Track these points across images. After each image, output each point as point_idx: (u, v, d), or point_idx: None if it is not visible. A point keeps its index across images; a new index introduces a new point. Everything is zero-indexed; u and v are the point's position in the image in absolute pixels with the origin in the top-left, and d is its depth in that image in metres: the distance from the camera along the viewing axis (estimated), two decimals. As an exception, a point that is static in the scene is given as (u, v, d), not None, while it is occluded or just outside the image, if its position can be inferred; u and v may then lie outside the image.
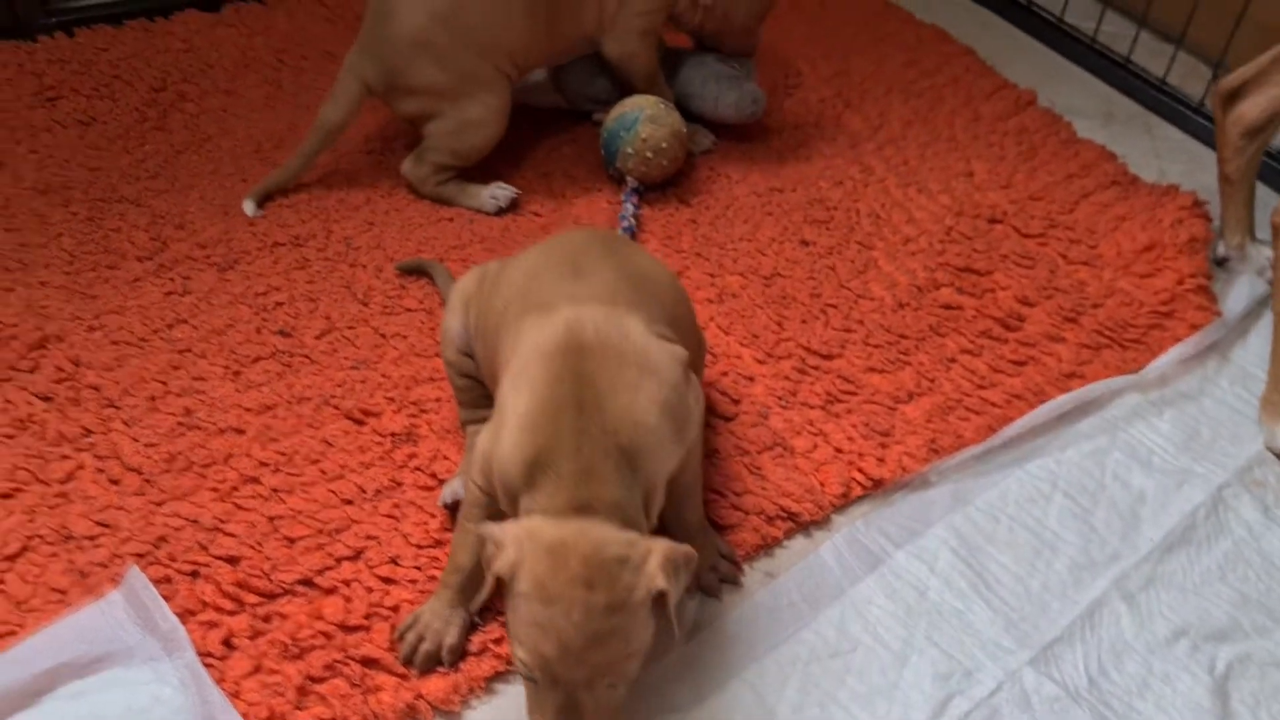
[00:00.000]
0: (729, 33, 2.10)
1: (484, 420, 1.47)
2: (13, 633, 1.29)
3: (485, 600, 1.13)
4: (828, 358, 1.72)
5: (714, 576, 1.41)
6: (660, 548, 1.11)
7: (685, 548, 1.14)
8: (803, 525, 1.50)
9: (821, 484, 1.53)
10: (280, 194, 1.93)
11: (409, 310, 1.74)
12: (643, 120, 1.94)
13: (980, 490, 1.57)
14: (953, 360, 1.73)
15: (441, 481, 1.49)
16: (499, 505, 1.23)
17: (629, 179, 1.97)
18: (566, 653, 1.08)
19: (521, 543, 1.10)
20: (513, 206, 1.95)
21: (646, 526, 1.17)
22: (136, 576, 1.31)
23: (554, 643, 1.08)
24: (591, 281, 1.29)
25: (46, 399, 1.56)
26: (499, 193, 1.94)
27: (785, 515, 1.49)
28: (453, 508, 1.43)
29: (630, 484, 1.15)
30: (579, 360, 1.18)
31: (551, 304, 1.25)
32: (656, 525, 1.23)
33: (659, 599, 1.10)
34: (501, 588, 1.11)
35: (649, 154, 1.94)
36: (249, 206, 1.88)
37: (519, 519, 1.15)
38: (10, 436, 1.51)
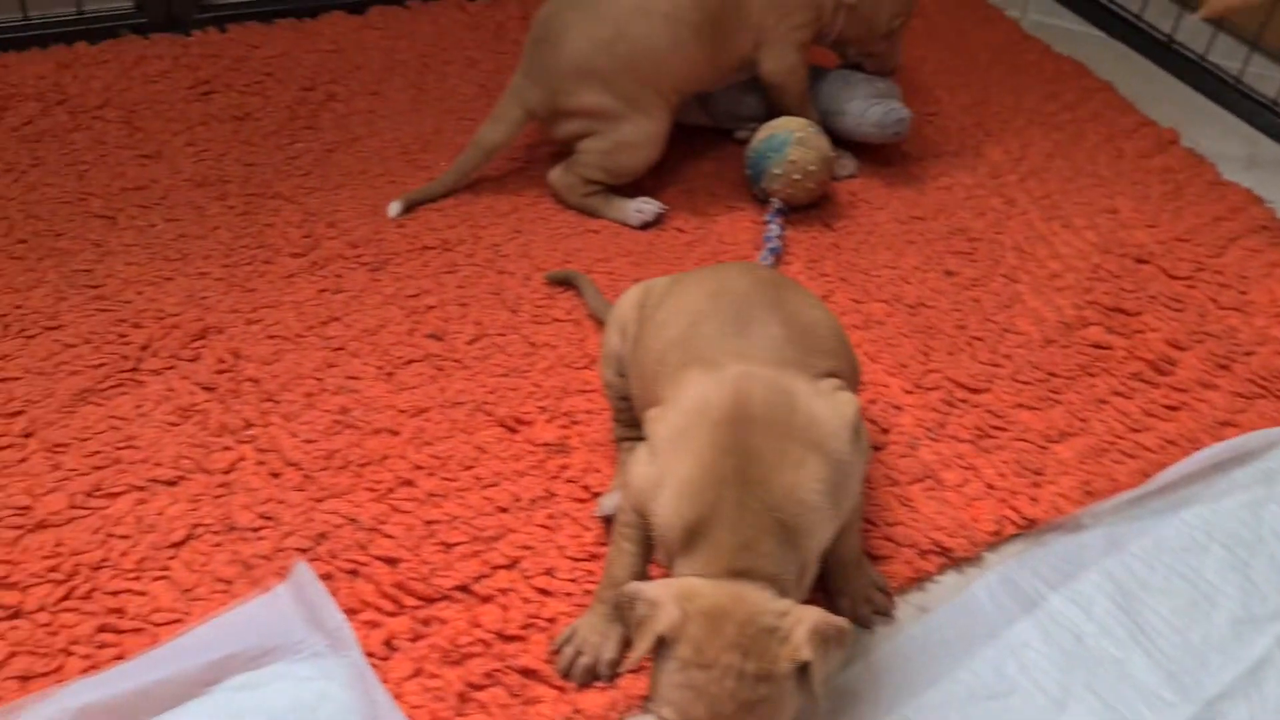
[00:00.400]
0: (872, 39, 2.09)
1: (639, 438, 1.48)
2: (179, 620, 1.31)
3: (639, 659, 1.12)
4: (975, 391, 1.70)
5: (868, 609, 1.40)
6: (809, 618, 1.11)
7: (838, 620, 1.13)
8: (955, 561, 1.48)
9: (973, 520, 1.51)
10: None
11: (557, 320, 1.75)
12: (792, 142, 1.94)
13: (1135, 536, 1.53)
14: (1104, 401, 1.70)
15: (595, 495, 1.49)
16: (650, 530, 1.23)
17: (774, 200, 1.97)
18: (717, 719, 1.08)
19: (681, 604, 1.10)
20: (657, 221, 1.95)
21: (800, 596, 1.17)
22: (304, 572, 1.33)
23: (705, 708, 1.08)
24: (758, 338, 1.28)
25: (208, 389, 1.58)
26: (645, 207, 1.94)
27: (938, 550, 1.48)
28: (609, 520, 1.43)
29: (787, 559, 1.16)
30: (745, 432, 1.18)
31: (716, 360, 1.25)
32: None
33: (803, 669, 1.10)
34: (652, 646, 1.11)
35: (796, 176, 1.94)
36: (394, 208, 1.90)
37: (673, 578, 1.15)
38: (174, 424, 1.53)
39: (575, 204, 1.96)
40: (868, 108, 2.08)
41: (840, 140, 2.10)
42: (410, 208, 1.92)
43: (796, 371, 1.25)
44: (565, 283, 1.80)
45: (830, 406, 1.24)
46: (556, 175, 1.96)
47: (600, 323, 1.74)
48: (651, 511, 1.21)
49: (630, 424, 1.50)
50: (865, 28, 2.06)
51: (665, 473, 1.20)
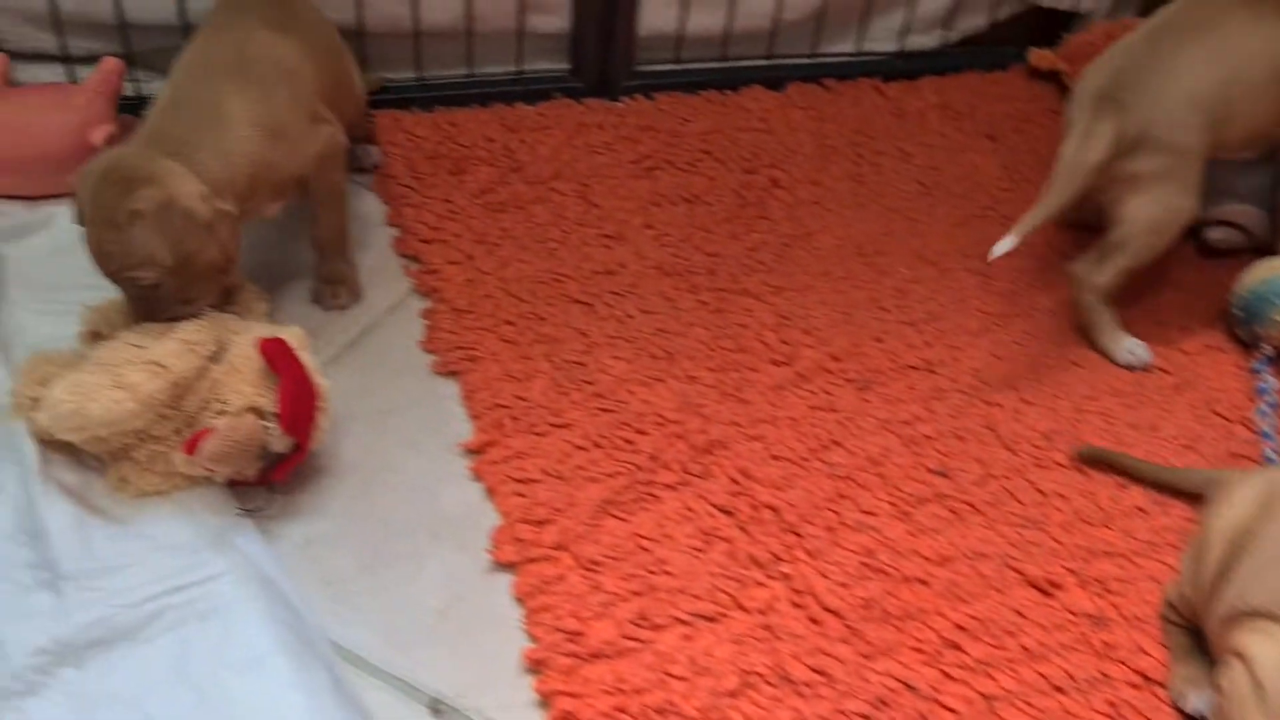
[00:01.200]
0: None
1: (1188, 626, 1.40)
2: (757, 783, 1.26)
3: None
4: None
5: None
6: None
7: None
8: None
9: None
10: (898, 310, 1.88)
11: (1060, 466, 1.66)
12: (1299, 287, 1.82)
13: None
14: None
15: (1147, 680, 1.39)
16: None
17: (1264, 346, 1.84)
18: None
19: None
20: (1144, 367, 1.83)
21: None
22: (888, 749, 1.27)
23: None
24: None
25: (727, 513, 1.53)
26: (1138, 351, 1.82)
27: None
28: (1183, 713, 1.35)
29: None
30: None
31: None
32: None
33: None
34: None
35: (1301, 324, 1.81)
36: (1005, 244, 1.70)
37: None
38: (699, 550, 1.48)
39: (1084, 306, 1.83)
40: None
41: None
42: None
43: None
44: (1101, 462, 1.67)
45: None
46: (1085, 268, 1.83)
47: (1153, 483, 1.64)
48: None
49: (1187, 613, 1.41)
50: None
51: None
